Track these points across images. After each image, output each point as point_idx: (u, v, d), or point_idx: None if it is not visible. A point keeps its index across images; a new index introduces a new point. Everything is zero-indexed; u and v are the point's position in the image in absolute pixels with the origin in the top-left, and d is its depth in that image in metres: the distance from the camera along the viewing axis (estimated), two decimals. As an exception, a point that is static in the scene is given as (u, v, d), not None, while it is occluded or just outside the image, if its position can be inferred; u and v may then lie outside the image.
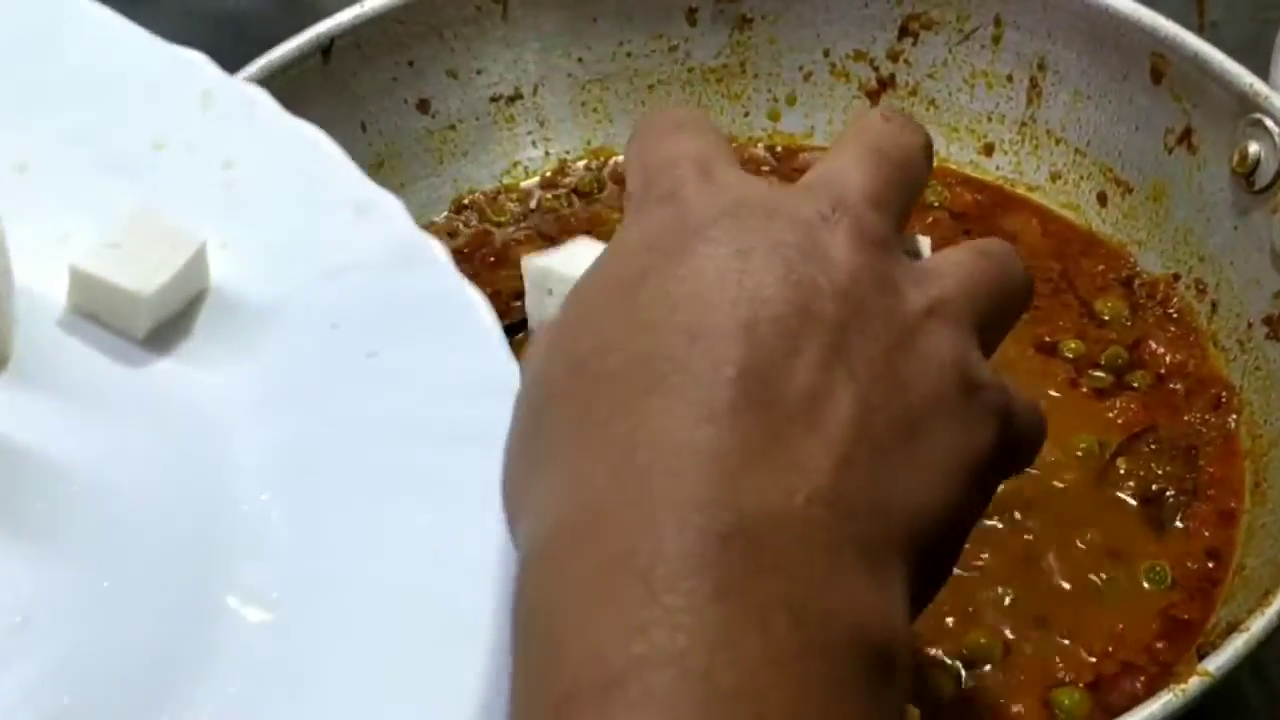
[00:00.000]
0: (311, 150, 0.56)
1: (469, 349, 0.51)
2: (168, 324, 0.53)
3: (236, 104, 0.57)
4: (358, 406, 0.51)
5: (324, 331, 0.52)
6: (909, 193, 0.45)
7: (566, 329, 0.42)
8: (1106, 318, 0.70)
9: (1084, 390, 0.67)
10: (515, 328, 0.71)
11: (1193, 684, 0.52)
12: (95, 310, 0.52)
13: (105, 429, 0.50)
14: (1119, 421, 0.66)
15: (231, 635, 0.47)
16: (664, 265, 0.40)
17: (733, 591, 0.35)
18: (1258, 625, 0.53)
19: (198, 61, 0.57)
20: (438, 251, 0.54)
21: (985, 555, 0.61)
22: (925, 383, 0.40)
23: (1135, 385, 0.67)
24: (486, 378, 0.50)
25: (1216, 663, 0.53)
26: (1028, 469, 0.50)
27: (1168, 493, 0.63)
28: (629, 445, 0.37)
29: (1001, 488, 0.62)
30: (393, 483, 0.49)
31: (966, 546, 0.60)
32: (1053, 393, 0.67)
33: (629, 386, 0.38)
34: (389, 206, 0.55)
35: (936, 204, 0.75)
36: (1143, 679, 0.58)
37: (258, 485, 0.49)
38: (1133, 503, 0.63)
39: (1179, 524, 0.63)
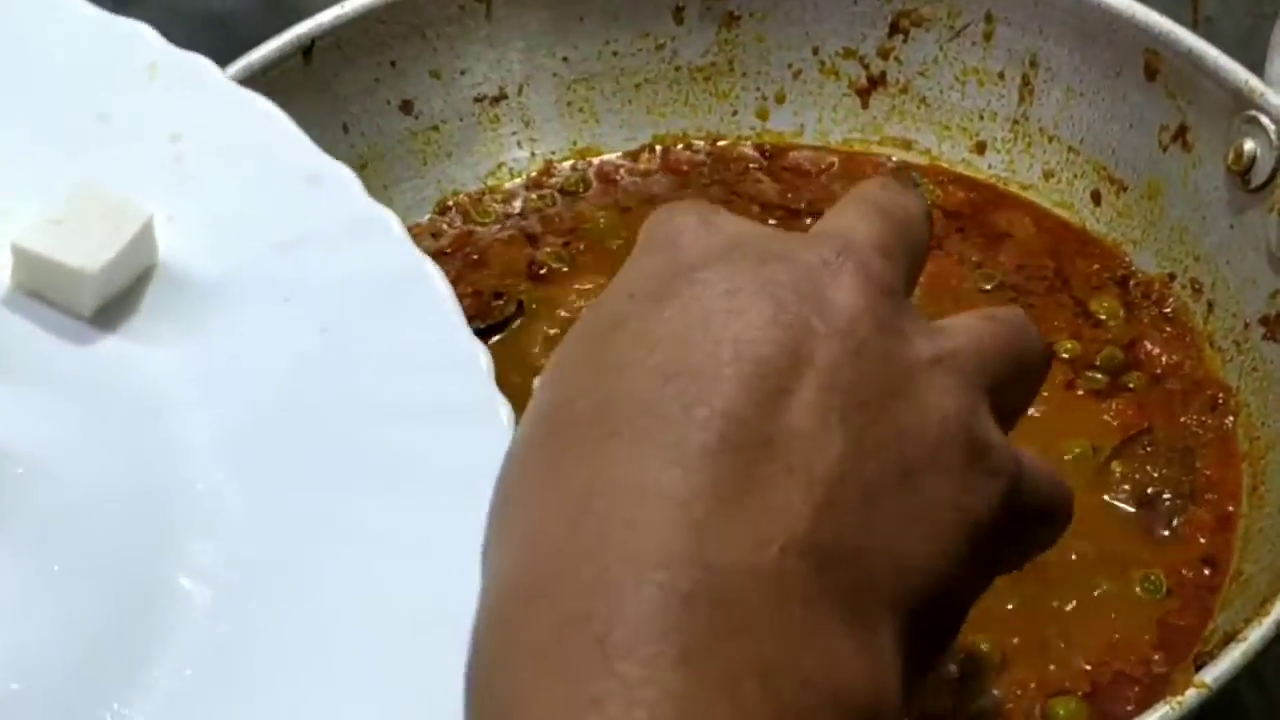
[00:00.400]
0: (262, 121, 0.56)
1: (425, 323, 0.50)
2: (115, 301, 0.52)
3: (183, 75, 0.56)
4: (311, 382, 0.50)
5: (276, 306, 0.51)
6: (913, 253, 0.43)
7: (543, 383, 0.39)
8: (1102, 316, 0.69)
9: (1079, 392, 0.66)
10: (495, 328, 0.70)
11: (1190, 696, 0.52)
12: (40, 288, 0.51)
13: (52, 409, 0.50)
14: (1114, 424, 0.65)
15: (186, 618, 0.46)
16: (646, 309, 0.38)
17: (697, 657, 0.32)
18: (1255, 635, 0.53)
19: (143, 32, 0.56)
20: (393, 224, 0.53)
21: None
22: (925, 433, 0.37)
23: (1131, 386, 0.67)
24: (444, 352, 0.49)
25: (1214, 674, 0.52)
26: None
27: (1164, 496, 0.62)
28: (587, 494, 0.35)
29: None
30: (348, 460, 0.48)
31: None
32: (1047, 394, 0.66)
33: (592, 432, 0.36)
34: (342, 178, 0.54)
35: (929, 202, 0.74)
36: (1137, 689, 0.57)
37: (211, 464, 0.49)
38: (1128, 508, 0.62)
39: (1175, 529, 0.62)
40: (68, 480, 0.48)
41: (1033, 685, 0.57)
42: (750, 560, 0.33)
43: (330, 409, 0.49)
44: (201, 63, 0.56)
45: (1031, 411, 0.64)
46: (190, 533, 0.47)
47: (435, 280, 0.51)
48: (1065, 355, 0.68)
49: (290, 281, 0.52)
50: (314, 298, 0.51)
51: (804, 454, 0.35)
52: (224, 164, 0.54)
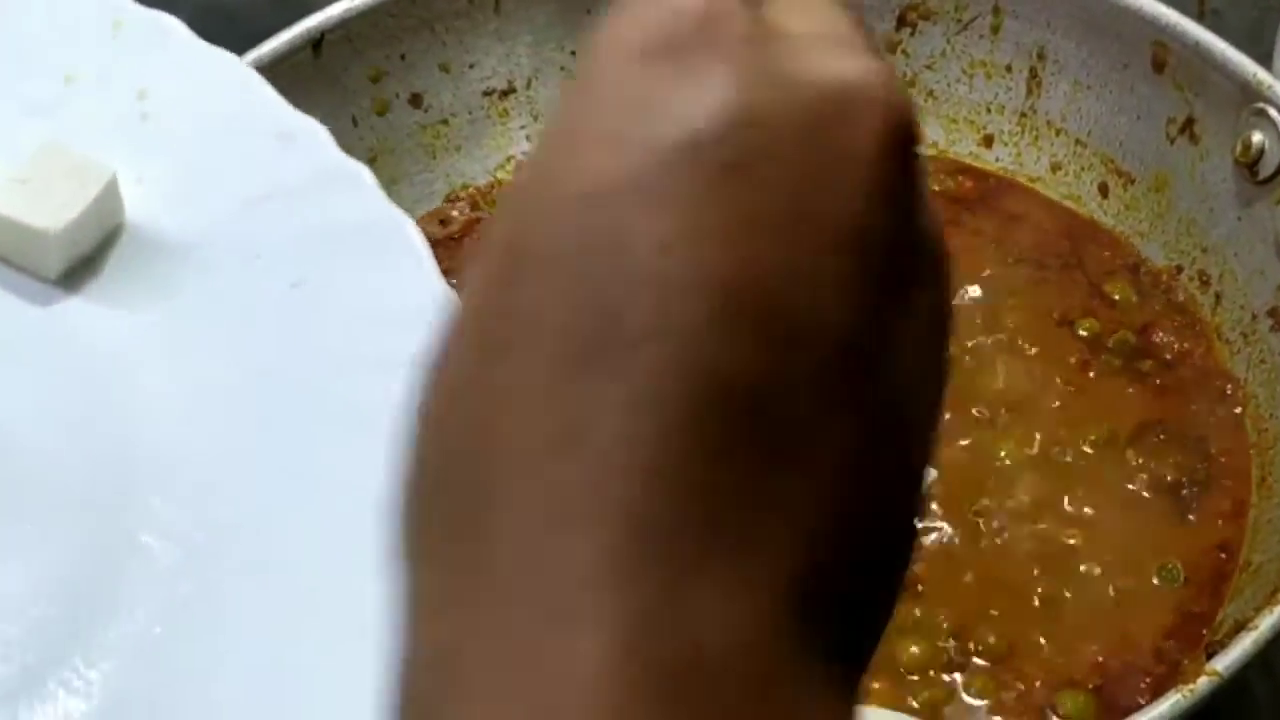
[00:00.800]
0: (230, 78, 0.55)
1: (399, 274, 0.50)
2: (82, 263, 0.51)
3: (149, 33, 0.55)
4: (283, 338, 0.49)
5: (246, 263, 0.51)
6: None
7: (498, 222, 0.28)
8: (1116, 298, 0.70)
9: (1092, 376, 0.67)
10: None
11: (1201, 684, 0.52)
12: (4, 251, 0.51)
13: (19, 372, 0.49)
14: (1129, 408, 0.65)
15: (151, 577, 0.46)
16: (604, 198, 0.26)
17: None
18: (1266, 624, 0.53)
19: None
20: (364, 176, 0.53)
21: (989, 554, 0.61)
22: (924, 372, 0.28)
23: (1144, 371, 0.67)
24: (418, 301, 0.48)
25: (1225, 662, 0.52)
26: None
27: (1181, 484, 0.63)
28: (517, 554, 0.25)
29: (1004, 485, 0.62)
30: (323, 415, 0.48)
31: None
32: (1061, 379, 0.66)
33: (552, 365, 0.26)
34: (312, 132, 0.54)
35: (937, 189, 0.74)
36: (1148, 680, 0.57)
37: (181, 425, 0.48)
38: (1145, 495, 0.63)
39: (1192, 516, 0.62)
40: (34, 442, 0.48)
41: (1039, 681, 0.58)
42: (742, 638, 0.25)
43: (303, 364, 0.49)
44: (167, 20, 0.56)
45: (1053, 401, 0.65)
46: (158, 494, 0.47)
47: (409, 232, 0.51)
48: (1084, 333, 0.68)
49: (261, 237, 0.51)
50: (285, 253, 0.51)
51: (808, 434, 0.26)
52: (192, 122, 0.54)
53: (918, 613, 0.58)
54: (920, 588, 0.59)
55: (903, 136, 0.27)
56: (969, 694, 0.57)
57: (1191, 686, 0.51)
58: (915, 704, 0.57)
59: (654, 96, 0.27)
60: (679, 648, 0.24)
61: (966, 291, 0.70)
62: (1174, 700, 0.51)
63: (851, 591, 0.27)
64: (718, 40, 0.27)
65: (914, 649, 0.58)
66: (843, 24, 0.28)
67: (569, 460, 0.25)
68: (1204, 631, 0.58)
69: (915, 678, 0.57)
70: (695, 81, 0.26)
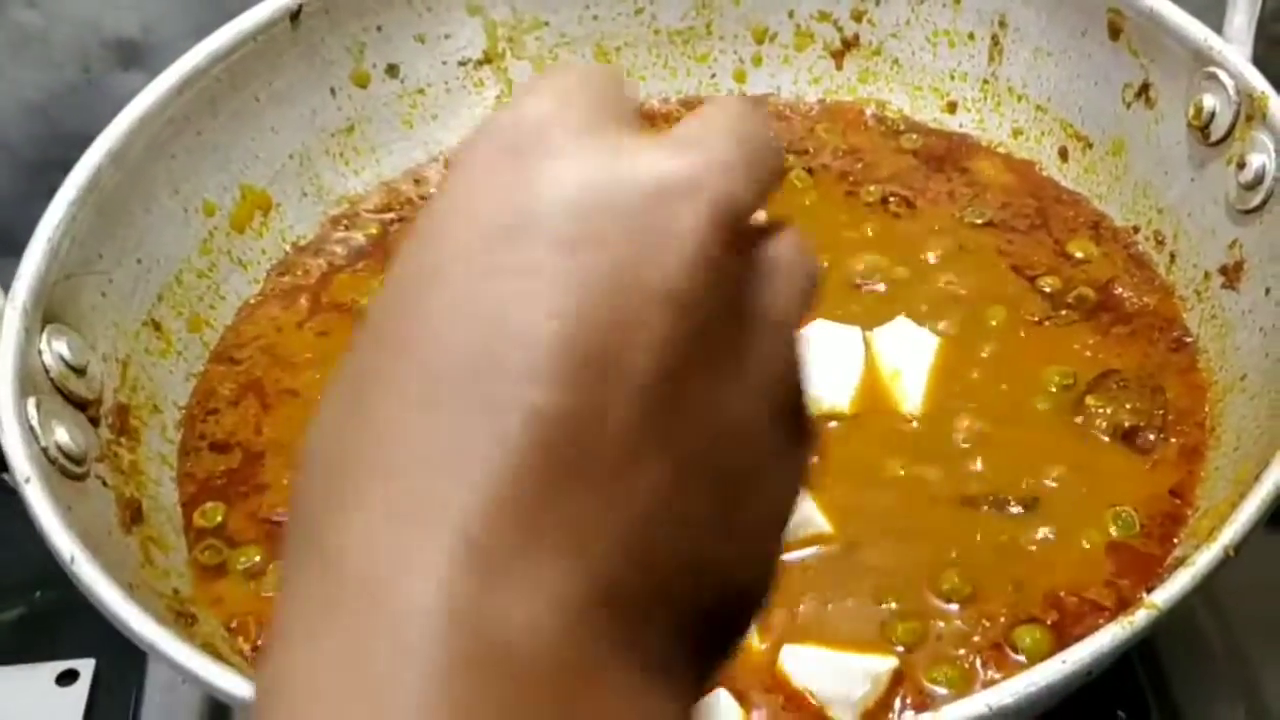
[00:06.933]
0: None
1: None
2: None
3: None
4: None
5: None
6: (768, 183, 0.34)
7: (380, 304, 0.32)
8: (1079, 255, 0.71)
9: (1049, 328, 0.68)
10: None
11: (1140, 616, 0.52)
12: None
13: None
14: (1087, 357, 0.67)
15: None
16: (477, 251, 0.30)
17: None
18: (1203, 560, 0.53)
19: None
20: None
21: (958, 491, 0.63)
22: (758, 422, 0.32)
23: (1104, 323, 0.69)
24: None
25: (1164, 596, 0.53)
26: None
27: (1140, 428, 0.64)
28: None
29: (967, 430, 0.64)
30: None
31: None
32: (1023, 334, 0.68)
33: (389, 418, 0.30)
34: None
35: (907, 147, 0.76)
36: (1103, 618, 0.58)
37: None
38: (1104, 439, 0.64)
39: (1148, 460, 0.63)
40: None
41: (1001, 618, 0.59)
42: (544, 622, 0.28)
43: None
44: None
45: (1016, 350, 0.67)
46: None
47: None
48: (1047, 289, 0.70)
49: None
50: None
51: (621, 469, 0.29)
52: None
53: (891, 555, 0.60)
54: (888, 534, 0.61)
55: (726, 219, 0.31)
56: (937, 632, 0.58)
57: (1130, 618, 0.52)
58: (897, 644, 0.58)
59: (502, 190, 0.31)
60: (491, 635, 0.28)
61: (935, 249, 0.72)
62: (1113, 631, 0.52)
63: (678, 612, 0.30)
64: (552, 144, 0.31)
65: (888, 591, 0.59)
66: (691, 129, 0.32)
67: (417, 476, 0.29)
68: (1157, 571, 0.60)
69: (892, 606, 0.59)
70: (531, 180, 0.31)
